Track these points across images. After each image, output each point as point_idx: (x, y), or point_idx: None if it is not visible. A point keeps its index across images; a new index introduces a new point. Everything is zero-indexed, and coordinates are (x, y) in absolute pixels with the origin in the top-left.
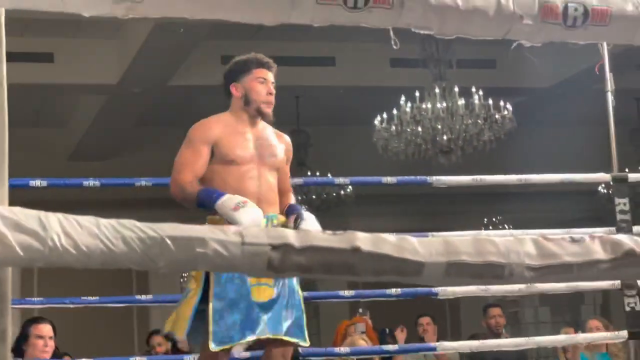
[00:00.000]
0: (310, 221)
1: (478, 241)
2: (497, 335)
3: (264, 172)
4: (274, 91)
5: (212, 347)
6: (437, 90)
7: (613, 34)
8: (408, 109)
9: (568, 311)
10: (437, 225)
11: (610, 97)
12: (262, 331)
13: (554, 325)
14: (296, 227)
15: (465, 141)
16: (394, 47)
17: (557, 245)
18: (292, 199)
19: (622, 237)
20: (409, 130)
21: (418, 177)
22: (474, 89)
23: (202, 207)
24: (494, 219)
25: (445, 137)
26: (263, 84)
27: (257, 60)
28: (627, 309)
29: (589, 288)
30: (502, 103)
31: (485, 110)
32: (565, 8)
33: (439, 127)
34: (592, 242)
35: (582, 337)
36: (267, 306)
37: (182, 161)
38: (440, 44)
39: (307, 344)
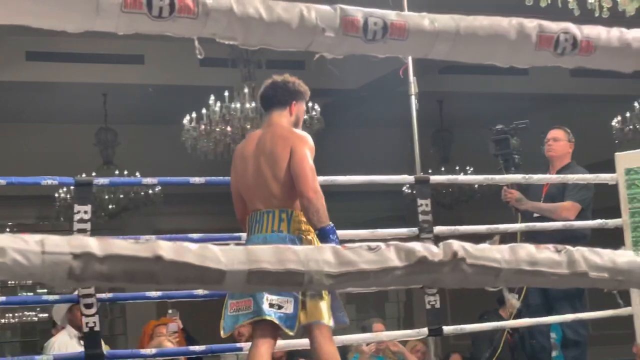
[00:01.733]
0: None
1: (279, 250)
2: None
3: None
4: None
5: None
6: (246, 90)
7: (411, 47)
8: (217, 109)
9: (373, 308)
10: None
11: (414, 101)
12: None
13: (359, 323)
14: None
15: None
16: (199, 56)
17: (354, 253)
18: None
19: (416, 245)
20: (218, 129)
21: (227, 178)
22: None
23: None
24: None
25: None
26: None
27: (308, 92)
28: (428, 306)
29: (392, 287)
30: (310, 104)
31: None
32: (366, 22)
33: (248, 127)
34: (387, 250)
35: (386, 335)
36: None
37: (313, 169)
38: None
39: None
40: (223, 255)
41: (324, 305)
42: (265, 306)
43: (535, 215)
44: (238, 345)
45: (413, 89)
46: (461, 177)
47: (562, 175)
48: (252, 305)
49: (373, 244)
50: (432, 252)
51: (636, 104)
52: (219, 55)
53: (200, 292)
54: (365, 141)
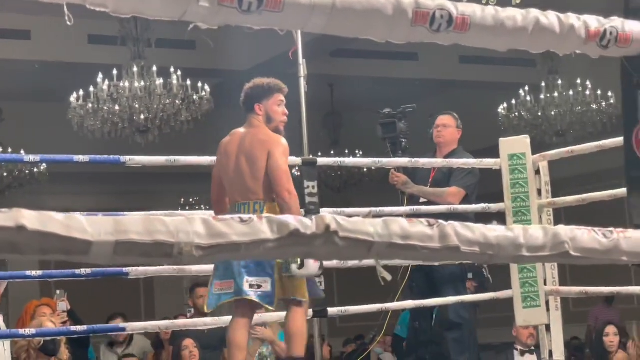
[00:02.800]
0: None
1: (148, 220)
2: (205, 315)
3: None
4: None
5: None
6: (135, 69)
7: (287, 20)
8: (105, 87)
9: None
10: (133, 205)
11: (303, 83)
12: None
13: None
14: None
15: (162, 121)
16: (68, 23)
17: (226, 225)
18: None
19: (289, 218)
20: (105, 108)
21: (111, 157)
22: (172, 69)
23: None
24: (191, 200)
25: (142, 117)
26: (281, 106)
27: (277, 85)
28: None
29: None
30: (200, 84)
31: (183, 91)
32: None
33: (137, 106)
34: (259, 222)
35: (268, 316)
36: None
37: (287, 172)
38: (139, 22)
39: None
40: (90, 225)
41: (300, 282)
42: (246, 287)
43: (422, 200)
44: (121, 325)
45: (302, 70)
46: (348, 160)
47: (447, 160)
48: (233, 286)
49: (245, 216)
50: (304, 224)
51: (522, 91)
52: (109, 32)
53: (82, 271)
54: None
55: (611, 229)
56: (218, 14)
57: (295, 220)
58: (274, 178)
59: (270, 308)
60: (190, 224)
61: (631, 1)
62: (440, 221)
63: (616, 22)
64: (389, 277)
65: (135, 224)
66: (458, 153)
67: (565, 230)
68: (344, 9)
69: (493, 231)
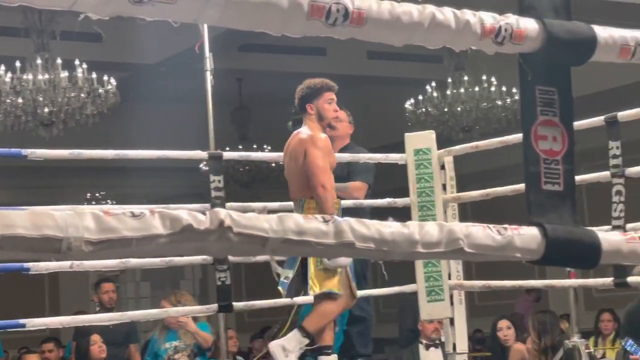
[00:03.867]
0: None
1: (35, 214)
2: (110, 310)
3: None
4: (337, 108)
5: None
6: (39, 62)
7: (180, 11)
8: (8, 79)
9: (168, 286)
10: (37, 200)
11: (209, 77)
12: None
13: (154, 300)
14: None
15: (67, 114)
16: None
17: (117, 220)
18: None
19: (182, 213)
20: (8, 101)
21: (12, 150)
22: (77, 62)
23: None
24: (97, 194)
25: (46, 110)
26: (332, 104)
27: (327, 84)
28: (218, 283)
29: (186, 263)
30: (106, 77)
31: (88, 84)
32: None
33: (40, 99)
34: (152, 217)
35: (174, 311)
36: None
37: (322, 168)
38: (43, 14)
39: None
40: None
41: (333, 275)
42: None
43: None
44: (21, 321)
45: (208, 64)
46: (255, 154)
47: (353, 155)
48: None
49: (137, 211)
50: (198, 220)
51: (428, 87)
52: (12, 24)
53: None
54: (164, 117)
55: (506, 225)
56: (109, 4)
57: (188, 216)
58: (309, 173)
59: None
60: (80, 219)
61: None
62: (336, 217)
63: (511, 19)
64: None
65: (22, 218)
66: (352, 147)
67: (460, 227)
68: (239, 1)
69: (388, 227)
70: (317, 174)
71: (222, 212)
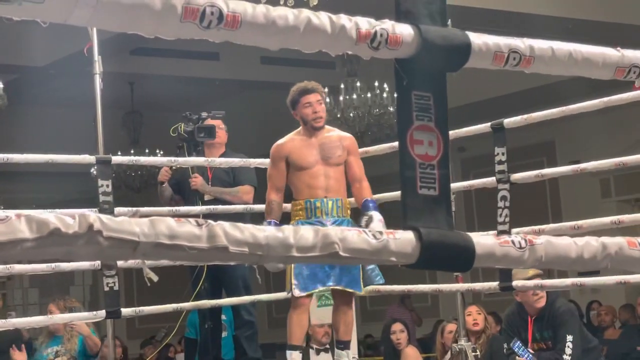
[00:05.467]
0: (377, 222)
1: None
2: None
3: (329, 169)
4: (320, 108)
5: (297, 293)
6: None
7: (48, 11)
8: None
9: (58, 292)
10: None
11: (98, 80)
12: (329, 283)
13: (42, 307)
14: (366, 226)
15: None
16: None
17: None
18: (365, 188)
19: (49, 217)
20: None
21: None
22: None
23: None
24: None
25: None
26: (309, 107)
27: (301, 89)
28: (106, 288)
29: (74, 268)
30: None
31: None
32: None
33: None
34: (17, 220)
35: (59, 318)
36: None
37: (270, 175)
38: None
39: (362, 292)
40: None
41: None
42: None
43: (207, 198)
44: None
45: (97, 67)
46: (144, 159)
47: (244, 160)
48: None
49: (2, 214)
50: (66, 223)
51: None
52: None
53: None
54: (53, 121)
55: (382, 229)
56: None
57: (56, 219)
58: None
59: (360, 293)
60: None
61: (401, 4)
62: (210, 221)
63: (387, 25)
64: (155, 278)
65: None
66: (229, 154)
67: (335, 231)
68: (110, 2)
69: (262, 231)
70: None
71: (91, 216)
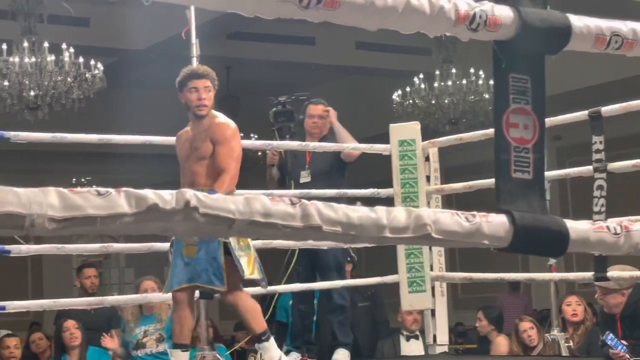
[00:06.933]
0: None
1: None
2: (92, 295)
3: (192, 163)
4: (205, 95)
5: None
6: (25, 45)
7: None
8: None
9: (153, 272)
10: (21, 183)
11: (195, 63)
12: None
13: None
14: None
15: (53, 98)
16: None
17: (82, 197)
18: (219, 181)
19: (148, 192)
20: None
21: None
22: (64, 46)
23: None
24: (82, 179)
25: (32, 93)
26: (194, 93)
27: (191, 72)
28: None
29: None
30: (93, 62)
31: (75, 68)
32: None
33: (27, 82)
34: (117, 195)
35: (154, 296)
36: (190, 261)
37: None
38: None
39: (224, 288)
40: None
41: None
42: None
43: (303, 180)
44: (0, 304)
45: (195, 51)
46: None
47: (338, 145)
48: None
49: (103, 190)
50: (164, 199)
51: (416, 79)
52: None
53: None
54: (151, 103)
55: (474, 212)
56: None
57: (154, 195)
58: None
59: (221, 288)
60: (44, 196)
61: None
62: (304, 200)
63: (486, 6)
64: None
65: None
66: (329, 138)
67: (428, 213)
68: None
69: (356, 211)
70: None
71: (188, 192)
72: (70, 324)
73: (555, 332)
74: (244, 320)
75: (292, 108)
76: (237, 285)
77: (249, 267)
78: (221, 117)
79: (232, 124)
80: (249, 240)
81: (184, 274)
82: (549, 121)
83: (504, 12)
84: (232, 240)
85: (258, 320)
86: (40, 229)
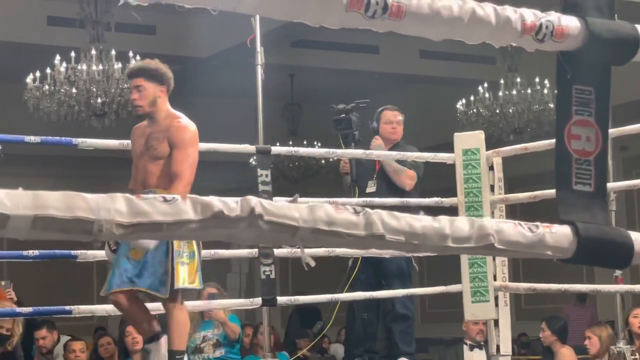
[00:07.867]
0: None
1: (69, 196)
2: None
3: (146, 162)
4: (136, 95)
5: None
6: (93, 52)
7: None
8: (63, 69)
9: (215, 279)
10: (87, 189)
11: (259, 71)
12: (123, 284)
13: (200, 292)
14: None
15: (119, 105)
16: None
17: (148, 204)
18: (172, 188)
19: (213, 199)
20: (62, 90)
21: (63, 138)
22: (131, 54)
23: None
24: None
25: (99, 100)
26: (132, 92)
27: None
28: (263, 276)
29: (231, 256)
30: None
31: None
32: None
33: (94, 89)
34: (183, 202)
35: (216, 304)
36: (136, 265)
37: None
38: (98, 5)
39: (166, 295)
40: (8, 198)
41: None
42: None
43: (369, 190)
44: (67, 308)
45: (259, 59)
46: (302, 150)
47: (401, 153)
48: None
49: (169, 196)
50: (229, 207)
51: (480, 88)
52: (68, 14)
53: (30, 252)
54: (215, 111)
55: (537, 223)
56: None
57: (219, 202)
58: None
59: (162, 296)
60: (112, 202)
61: None
62: (367, 209)
63: (552, 17)
64: (312, 263)
65: (55, 199)
66: (402, 145)
67: (491, 223)
68: None
69: (419, 221)
70: None
71: (253, 200)
72: (132, 328)
73: (622, 345)
74: (168, 329)
75: (350, 116)
76: (177, 294)
77: (190, 276)
78: (183, 119)
79: (192, 127)
80: (195, 247)
81: (127, 276)
82: (616, 131)
83: (571, 23)
84: (179, 247)
85: (182, 339)
86: (108, 234)
